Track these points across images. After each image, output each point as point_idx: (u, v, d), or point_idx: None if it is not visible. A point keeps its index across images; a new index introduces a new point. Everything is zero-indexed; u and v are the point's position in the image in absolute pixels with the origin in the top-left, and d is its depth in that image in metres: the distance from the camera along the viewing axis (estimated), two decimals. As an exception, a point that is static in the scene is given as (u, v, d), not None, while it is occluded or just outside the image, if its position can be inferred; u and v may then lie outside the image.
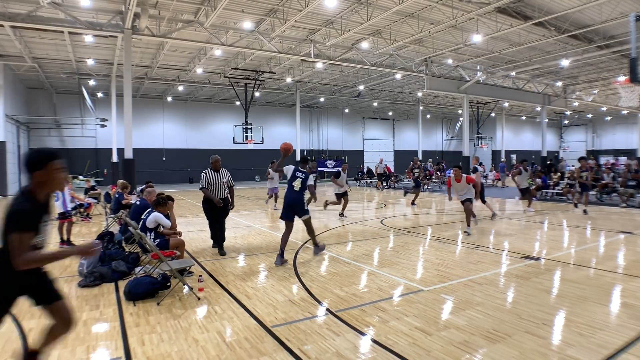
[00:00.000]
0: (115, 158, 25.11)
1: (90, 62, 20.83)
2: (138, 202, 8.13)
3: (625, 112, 38.85)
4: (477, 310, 4.91)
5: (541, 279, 6.19)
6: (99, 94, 29.15)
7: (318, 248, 7.96)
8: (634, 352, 3.81)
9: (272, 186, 15.53)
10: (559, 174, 20.65)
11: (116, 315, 4.83)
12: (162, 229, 6.73)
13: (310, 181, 7.54)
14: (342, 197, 13.35)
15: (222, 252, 8.07)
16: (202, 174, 8.18)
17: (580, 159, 13.91)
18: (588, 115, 47.45)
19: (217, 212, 8.14)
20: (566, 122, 51.65)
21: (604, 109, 36.98)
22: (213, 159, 8.24)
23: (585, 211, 13.17)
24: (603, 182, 17.15)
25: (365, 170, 31.92)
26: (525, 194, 14.82)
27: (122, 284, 5.78)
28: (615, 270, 6.66)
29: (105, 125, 27.94)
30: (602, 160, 36.37)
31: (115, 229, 9.37)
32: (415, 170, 19.27)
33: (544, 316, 4.70)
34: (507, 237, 9.59)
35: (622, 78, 23.21)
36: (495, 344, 4.00)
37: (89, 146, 30.11)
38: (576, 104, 33.66)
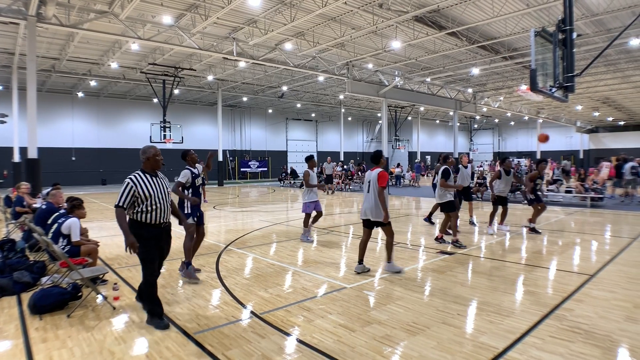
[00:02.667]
0: (17, 158, 22.89)
1: (-15, 50, 18.85)
2: (44, 206, 7.51)
3: (526, 117, 42.55)
4: (397, 304, 5.12)
5: (455, 272, 6.59)
6: (-3, 87, 26.46)
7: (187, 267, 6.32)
8: (536, 335, 4.20)
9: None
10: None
11: (19, 332, 4.41)
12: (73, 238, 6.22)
13: (181, 177, 6.31)
14: (447, 208, 8.83)
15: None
16: (129, 182, 4.40)
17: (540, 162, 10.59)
18: (495, 120, 51.43)
19: (162, 247, 4.67)
20: (476, 126, 55.62)
21: (509, 114, 40.20)
22: (149, 152, 4.67)
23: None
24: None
25: (289, 171, 31.94)
26: (502, 203, 10.34)
27: (26, 297, 5.29)
28: (519, 261, 7.27)
29: (5, 122, 25.37)
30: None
31: (17, 235, 8.55)
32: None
33: (458, 307, 5.02)
34: (422, 234, 10.09)
35: (523, 87, 25.41)
36: (415, 336, 4.20)
37: (-15, 144, 27.20)
38: (484, 109, 36.29)
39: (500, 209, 10.40)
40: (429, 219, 11.68)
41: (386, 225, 6.49)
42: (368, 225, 6.64)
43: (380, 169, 6.58)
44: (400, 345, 4.03)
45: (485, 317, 4.70)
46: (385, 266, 6.71)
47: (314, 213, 9.32)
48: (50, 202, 7.52)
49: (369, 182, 6.59)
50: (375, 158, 6.74)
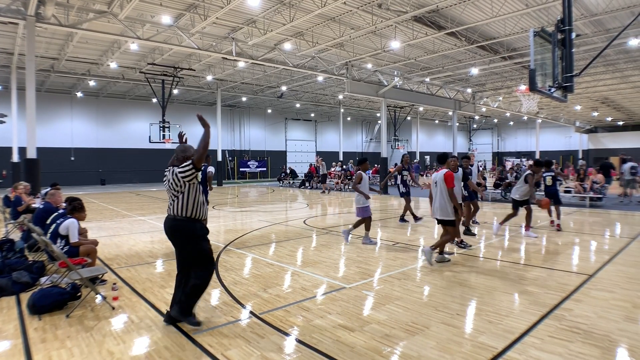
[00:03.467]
0: (16, 158, 22.88)
1: (-16, 50, 18.82)
2: (41, 206, 7.52)
3: (525, 117, 42.59)
4: (396, 304, 5.12)
5: (454, 272, 6.60)
6: (-4, 87, 26.45)
7: None
8: (535, 335, 4.20)
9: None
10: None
11: (18, 332, 4.40)
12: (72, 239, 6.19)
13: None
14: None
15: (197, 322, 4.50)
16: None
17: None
18: (494, 120, 51.45)
19: None
20: (475, 126, 55.62)
21: (508, 114, 40.22)
22: (190, 152, 4.58)
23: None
24: (507, 181, 18.69)
25: (288, 171, 31.91)
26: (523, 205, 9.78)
27: (25, 297, 5.29)
28: (518, 261, 7.27)
29: (4, 122, 25.37)
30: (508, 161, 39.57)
31: (16, 235, 8.55)
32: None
33: (457, 307, 5.02)
34: (422, 234, 10.10)
35: (523, 87, 25.43)
36: (414, 336, 4.20)
37: (-16, 144, 27.18)
38: (484, 109, 36.31)
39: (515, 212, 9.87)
40: (414, 218, 11.83)
41: (450, 225, 6.95)
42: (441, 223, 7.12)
43: (446, 170, 6.93)
44: (400, 345, 4.02)
45: (485, 317, 4.70)
46: (433, 255, 7.05)
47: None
48: (48, 202, 7.51)
49: (436, 182, 6.98)
50: (442, 159, 7.17)
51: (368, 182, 8.99)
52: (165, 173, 4.52)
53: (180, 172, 4.28)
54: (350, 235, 9.13)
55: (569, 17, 6.52)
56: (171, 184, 4.36)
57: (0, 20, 14.54)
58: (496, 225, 9.98)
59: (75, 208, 6.37)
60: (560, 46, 6.54)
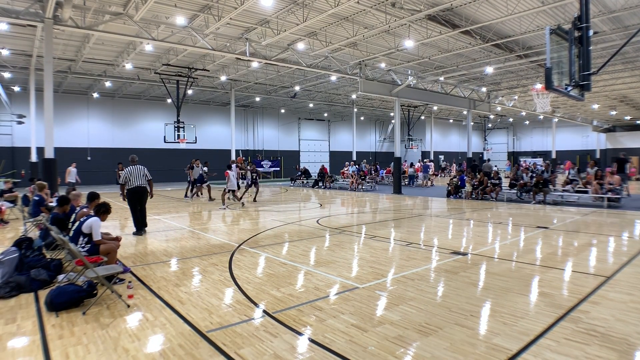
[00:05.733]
0: (34, 157, 23.32)
1: (4, 52, 19.15)
2: (37, 198, 8.08)
3: (541, 117, 42.02)
4: (410, 305, 5.09)
5: (468, 273, 6.54)
6: (16, 88, 26.91)
7: None
8: (551, 337, 4.14)
9: None
10: (481, 173, 21.84)
11: (36, 328, 4.48)
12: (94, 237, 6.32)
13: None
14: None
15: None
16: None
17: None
18: (509, 119, 50.87)
19: None
20: (490, 125, 55.01)
21: (523, 113, 39.72)
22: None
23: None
24: (522, 181, 18.50)
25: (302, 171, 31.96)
26: None
27: (43, 294, 5.39)
28: (533, 262, 7.18)
29: (23, 122, 25.85)
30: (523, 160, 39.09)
31: (35, 234, 8.72)
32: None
33: (471, 308, 4.98)
34: (436, 234, 10.03)
35: (538, 86, 25.07)
36: (428, 337, 4.17)
37: (4, 144, 27.70)
38: (499, 108, 35.91)
39: None
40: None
41: None
42: None
43: None
44: (413, 346, 4.00)
45: (499, 318, 4.65)
46: None
47: None
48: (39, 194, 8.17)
49: None
50: None
51: None
52: None
53: None
54: None
55: (586, 14, 6.42)
56: None
57: (20, 23, 14.81)
58: None
59: (100, 210, 6.53)
60: (577, 44, 6.44)
